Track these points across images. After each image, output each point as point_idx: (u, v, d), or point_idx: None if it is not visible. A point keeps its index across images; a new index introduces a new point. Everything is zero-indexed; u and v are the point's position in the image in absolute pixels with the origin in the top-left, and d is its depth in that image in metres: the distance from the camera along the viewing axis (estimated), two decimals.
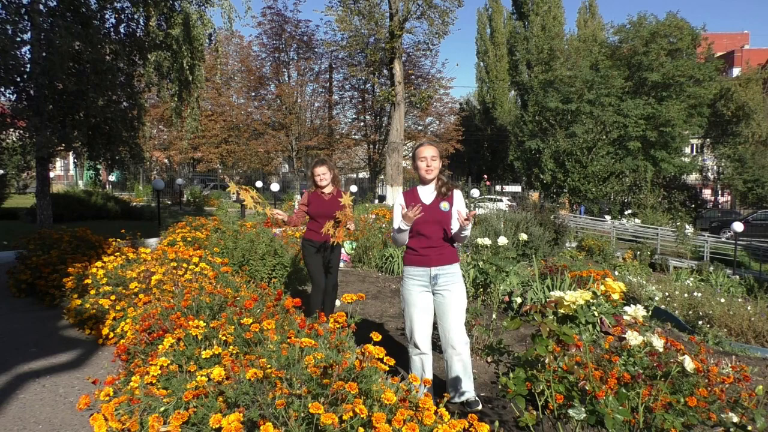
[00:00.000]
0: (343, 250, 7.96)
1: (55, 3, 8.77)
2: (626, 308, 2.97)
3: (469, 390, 3.01)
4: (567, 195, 27.79)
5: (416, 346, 3.05)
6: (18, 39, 8.14)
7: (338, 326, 2.19)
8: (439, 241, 3.01)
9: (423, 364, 3.08)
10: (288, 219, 4.35)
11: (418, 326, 3.03)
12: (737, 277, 12.53)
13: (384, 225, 9.71)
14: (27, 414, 2.96)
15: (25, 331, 4.50)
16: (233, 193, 4.12)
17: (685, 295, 7.46)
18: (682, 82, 26.87)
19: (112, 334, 3.76)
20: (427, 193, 3.08)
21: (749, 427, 2.05)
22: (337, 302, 4.69)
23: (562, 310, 2.85)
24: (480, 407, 2.94)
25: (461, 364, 3.02)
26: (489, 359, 3.89)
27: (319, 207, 4.26)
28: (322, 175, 4.25)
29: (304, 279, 6.13)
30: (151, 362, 2.21)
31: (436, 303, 3.06)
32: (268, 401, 1.71)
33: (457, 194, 3.08)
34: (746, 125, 30.70)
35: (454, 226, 3.02)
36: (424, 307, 3.03)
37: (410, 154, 31.32)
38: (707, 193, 36.47)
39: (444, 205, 3.00)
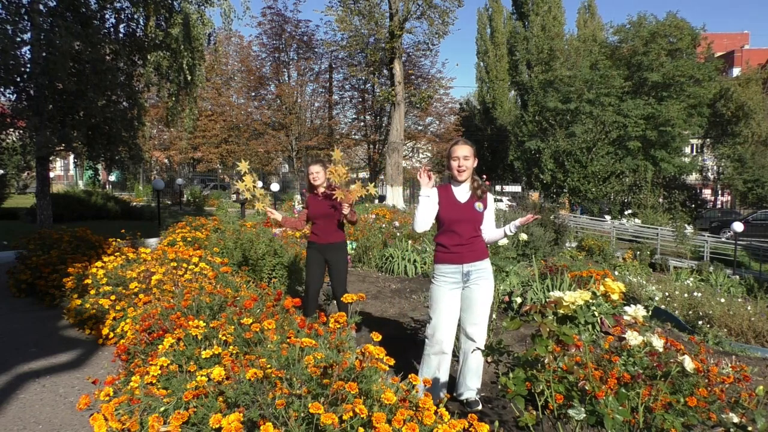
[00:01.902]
0: None
1: (55, 3, 8.77)
2: (626, 308, 2.97)
3: (471, 389, 3.02)
4: (567, 195, 27.78)
5: (437, 345, 2.97)
6: (18, 39, 8.15)
7: (338, 326, 2.19)
8: (470, 238, 3.00)
9: (440, 364, 3.00)
10: (283, 219, 4.30)
11: (444, 324, 2.96)
12: (737, 277, 12.52)
13: (384, 225, 9.70)
14: (27, 414, 2.96)
15: (25, 331, 4.50)
16: (243, 172, 4.06)
17: (685, 295, 7.45)
18: (682, 82, 26.87)
19: (112, 334, 3.76)
20: (461, 192, 3.06)
21: (749, 428, 2.04)
22: None
23: (561, 311, 2.84)
24: (480, 407, 2.94)
25: (476, 361, 3.01)
26: (489, 359, 3.88)
27: (316, 208, 4.21)
28: (315, 174, 4.22)
29: (303, 279, 6.12)
30: (151, 362, 2.21)
31: (463, 296, 3.01)
32: (268, 401, 1.70)
33: (491, 198, 3.11)
34: (746, 125, 30.70)
35: (486, 228, 3.05)
36: (453, 306, 2.98)
37: (410, 154, 31.56)
38: (707, 193, 36.46)
39: (479, 206, 3.01)
